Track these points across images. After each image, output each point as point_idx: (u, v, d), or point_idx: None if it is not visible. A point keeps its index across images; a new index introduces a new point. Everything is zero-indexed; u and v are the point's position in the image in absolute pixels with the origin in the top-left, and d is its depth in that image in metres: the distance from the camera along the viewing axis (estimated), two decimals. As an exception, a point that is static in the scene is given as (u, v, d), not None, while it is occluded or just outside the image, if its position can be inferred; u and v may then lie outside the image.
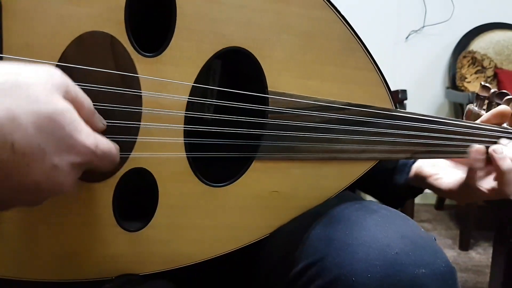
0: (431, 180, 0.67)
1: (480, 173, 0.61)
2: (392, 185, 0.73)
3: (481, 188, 0.60)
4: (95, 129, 0.40)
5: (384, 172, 0.74)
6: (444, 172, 0.66)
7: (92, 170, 0.40)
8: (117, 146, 0.42)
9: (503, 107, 0.64)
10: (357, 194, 0.70)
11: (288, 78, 0.54)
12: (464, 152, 0.62)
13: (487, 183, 0.61)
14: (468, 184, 0.61)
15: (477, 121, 0.66)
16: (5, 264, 0.45)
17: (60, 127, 0.35)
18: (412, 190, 0.73)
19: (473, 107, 0.69)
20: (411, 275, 0.46)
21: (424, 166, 0.69)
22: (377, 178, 0.74)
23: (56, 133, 0.35)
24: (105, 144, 0.39)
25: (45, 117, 0.34)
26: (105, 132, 0.43)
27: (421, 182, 0.69)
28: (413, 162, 0.72)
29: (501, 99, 0.65)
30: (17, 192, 0.35)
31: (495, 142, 0.63)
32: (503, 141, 0.63)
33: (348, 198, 0.60)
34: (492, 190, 0.60)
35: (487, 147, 0.61)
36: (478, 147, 0.60)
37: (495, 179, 0.60)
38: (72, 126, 0.36)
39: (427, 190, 0.71)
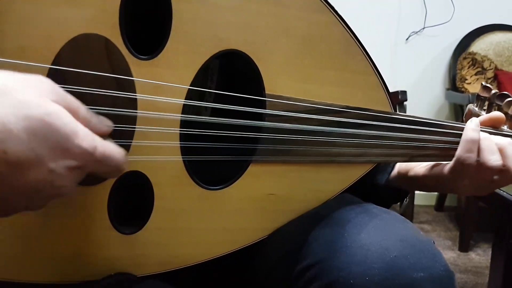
0: (414, 171, 0.64)
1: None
2: (373, 185, 0.70)
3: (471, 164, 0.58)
4: (98, 132, 0.38)
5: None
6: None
7: (95, 175, 0.39)
8: (123, 151, 0.39)
9: (496, 114, 0.64)
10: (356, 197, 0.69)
11: (286, 81, 0.53)
12: None
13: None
14: (459, 161, 0.58)
15: None
16: (1, 266, 0.45)
17: (54, 130, 0.33)
18: (394, 193, 0.70)
19: (473, 107, 0.69)
20: (409, 278, 0.46)
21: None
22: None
23: (50, 136, 0.33)
24: (106, 147, 0.37)
25: (37, 121, 0.33)
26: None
27: (403, 179, 0.67)
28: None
29: (502, 101, 0.65)
30: (16, 196, 0.34)
31: None
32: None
33: (348, 201, 0.60)
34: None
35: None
36: (473, 118, 0.60)
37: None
38: (67, 128, 0.34)
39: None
